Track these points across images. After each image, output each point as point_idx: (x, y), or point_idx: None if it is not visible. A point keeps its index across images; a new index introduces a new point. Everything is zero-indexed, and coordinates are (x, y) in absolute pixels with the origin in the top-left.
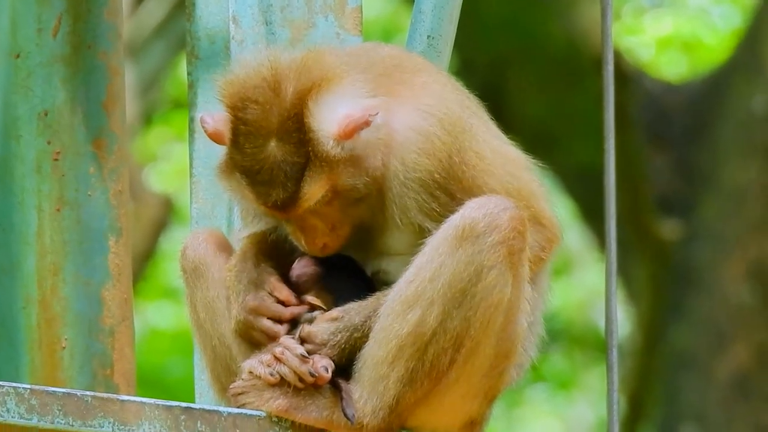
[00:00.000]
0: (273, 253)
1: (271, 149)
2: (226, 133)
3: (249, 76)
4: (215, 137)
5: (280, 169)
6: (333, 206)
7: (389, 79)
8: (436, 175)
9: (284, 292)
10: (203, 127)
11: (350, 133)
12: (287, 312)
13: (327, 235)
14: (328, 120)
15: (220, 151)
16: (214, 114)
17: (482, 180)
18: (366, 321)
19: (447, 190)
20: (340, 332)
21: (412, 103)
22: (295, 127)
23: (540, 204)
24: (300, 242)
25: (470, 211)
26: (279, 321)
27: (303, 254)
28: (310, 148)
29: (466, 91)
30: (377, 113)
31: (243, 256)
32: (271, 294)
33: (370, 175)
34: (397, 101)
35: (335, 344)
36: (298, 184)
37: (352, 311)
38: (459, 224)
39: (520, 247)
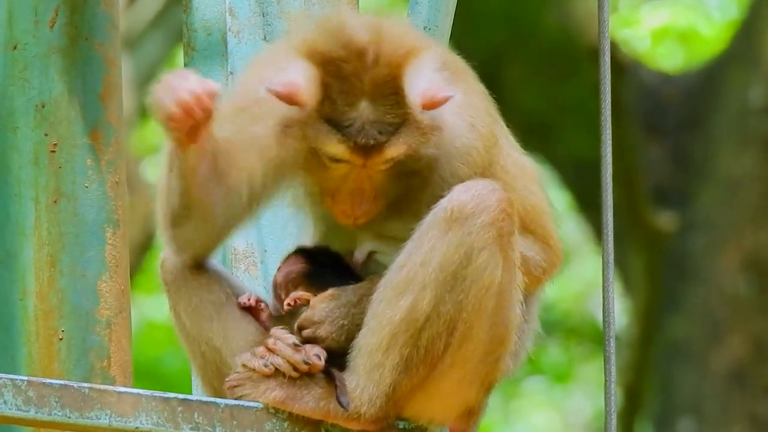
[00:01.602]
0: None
1: (367, 107)
2: (315, 90)
3: (333, 35)
4: (289, 98)
5: (373, 125)
6: (387, 173)
7: (450, 79)
8: None
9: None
10: (275, 92)
11: (436, 104)
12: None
13: (370, 202)
14: (420, 87)
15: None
16: (280, 80)
17: None
18: (362, 298)
19: None
20: (337, 308)
21: (461, 111)
22: (392, 90)
23: (550, 225)
24: (339, 207)
25: (458, 194)
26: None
27: (288, 256)
28: (405, 110)
29: (490, 98)
30: (456, 94)
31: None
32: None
33: (430, 153)
34: (452, 105)
35: (333, 320)
36: (388, 139)
37: (348, 290)
38: (448, 207)
39: (509, 229)
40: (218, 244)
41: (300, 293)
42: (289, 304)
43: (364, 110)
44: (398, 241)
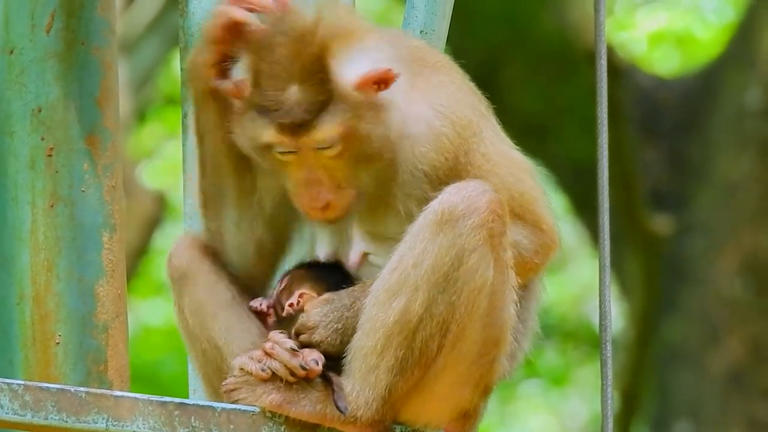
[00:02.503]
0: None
1: (294, 89)
2: (248, 78)
3: (271, 22)
4: (235, 91)
5: (299, 106)
6: (342, 160)
7: (409, 68)
8: (441, 172)
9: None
10: (223, 89)
11: (368, 82)
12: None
13: (332, 192)
14: (350, 67)
15: None
16: (224, 78)
17: (485, 180)
18: (356, 301)
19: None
20: (331, 312)
21: (428, 99)
22: (318, 69)
23: (540, 209)
24: (302, 201)
25: (449, 195)
26: None
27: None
28: (330, 87)
29: (479, 93)
30: (398, 75)
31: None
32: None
33: (383, 134)
34: (413, 91)
35: (327, 324)
36: (316, 117)
37: (342, 293)
38: (438, 209)
39: (500, 230)
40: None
41: (304, 290)
42: (291, 305)
43: (292, 94)
44: (390, 240)
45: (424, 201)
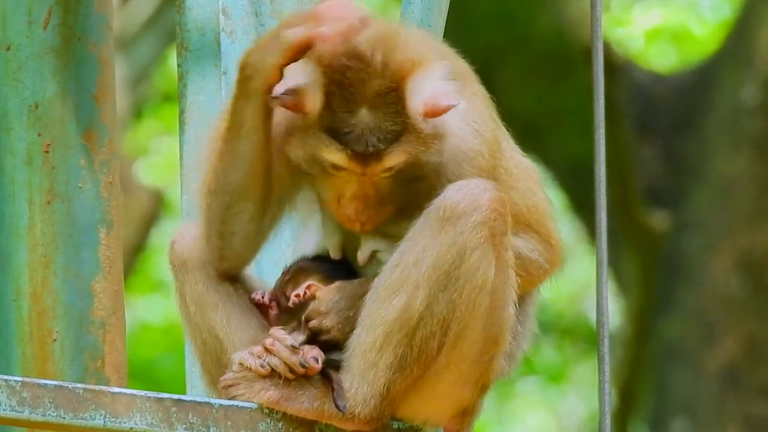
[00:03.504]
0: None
1: (366, 115)
2: (317, 96)
3: (352, 42)
4: (295, 107)
5: (372, 133)
6: (392, 180)
7: (456, 86)
8: None
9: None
10: (282, 101)
11: (438, 112)
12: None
13: (375, 208)
14: (423, 96)
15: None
16: (287, 85)
17: (507, 196)
18: (366, 292)
19: None
20: (343, 299)
21: (465, 117)
22: (394, 99)
23: (551, 224)
24: (344, 211)
25: (451, 193)
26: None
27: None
28: (405, 119)
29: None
30: (460, 102)
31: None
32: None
33: (433, 160)
34: (456, 111)
35: (339, 310)
36: (388, 146)
37: (354, 282)
38: (440, 206)
39: (501, 229)
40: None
41: (311, 282)
42: (297, 295)
43: (363, 118)
44: (399, 238)
45: None
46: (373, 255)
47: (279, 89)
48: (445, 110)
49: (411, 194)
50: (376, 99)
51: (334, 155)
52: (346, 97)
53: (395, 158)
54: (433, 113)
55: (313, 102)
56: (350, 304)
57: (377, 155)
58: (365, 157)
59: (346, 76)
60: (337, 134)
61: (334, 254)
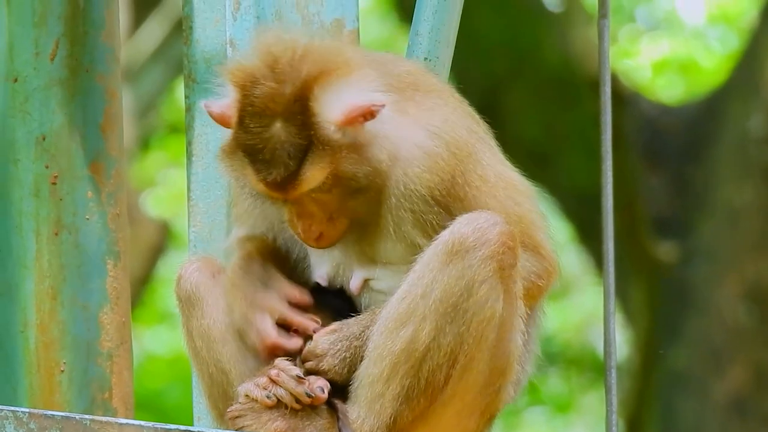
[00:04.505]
0: (273, 260)
1: (276, 129)
2: (233, 113)
3: (259, 57)
4: (221, 120)
5: (283, 149)
6: (332, 194)
7: (401, 94)
8: (436, 192)
9: (298, 294)
10: (208, 110)
11: (352, 120)
12: (297, 320)
13: (324, 224)
14: (333, 106)
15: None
16: (217, 100)
17: (484, 201)
18: (364, 330)
19: (446, 208)
20: (339, 341)
21: (420, 122)
22: (300, 110)
23: (539, 235)
24: (296, 231)
25: (460, 226)
26: (287, 326)
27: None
28: (312, 132)
29: (477, 116)
30: (383, 106)
31: (248, 255)
32: (281, 296)
33: (372, 167)
34: (405, 115)
35: (336, 352)
36: (299, 165)
37: (350, 322)
38: (449, 239)
39: (510, 262)
40: None
41: (310, 316)
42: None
43: (276, 132)
44: (389, 265)
45: (423, 223)
46: (366, 283)
47: (207, 102)
48: (364, 117)
49: (364, 204)
50: (285, 112)
51: (253, 182)
52: (258, 112)
53: (312, 178)
54: (351, 122)
55: (232, 117)
56: (347, 346)
57: (293, 177)
58: (280, 183)
59: (255, 91)
60: (252, 155)
61: (325, 284)
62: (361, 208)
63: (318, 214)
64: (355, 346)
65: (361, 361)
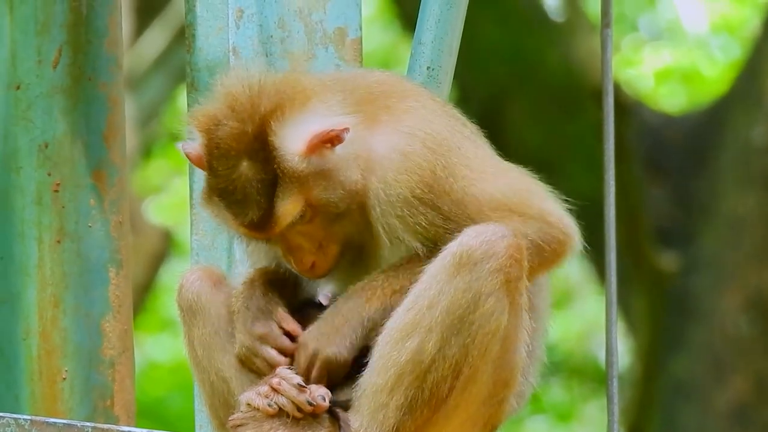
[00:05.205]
0: (279, 285)
1: (243, 168)
2: (202, 158)
3: (221, 99)
4: (198, 162)
5: (251, 186)
6: (315, 224)
7: (372, 105)
8: (417, 190)
9: (291, 324)
10: (185, 153)
11: (314, 147)
12: (292, 346)
13: (314, 253)
14: (293, 137)
15: None
16: (193, 142)
17: (476, 188)
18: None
19: (433, 206)
20: (324, 324)
21: (392, 126)
22: (261, 146)
23: (542, 202)
24: (290, 263)
25: (468, 238)
26: (283, 353)
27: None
28: (276, 165)
29: (463, 118)
30: (346, 129)
31: (251, 283)
32: (278, 325)
33: (346, 190)
34: (377, 124)
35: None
36: (270, 202)
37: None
38: (456, 252)
39: (517, 275)
40: None
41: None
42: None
43: (244, 171)
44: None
45: (413, 227)
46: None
47: (184, 144)
48: (331, 142)
49: (351, 225)
50: (249, 150)
51: (234, 226)
52: (223, 154)
53: (287, 212)
54: (313, 149)
55: (202, 164)
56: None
57: (269, 215)
58: (258, 223)
59: (219, 132)
60: (225, 198)
61: (327, 302)
62: (350, 230)
63: (306, 245)
64: (342, 316)
65: (357, 335)
